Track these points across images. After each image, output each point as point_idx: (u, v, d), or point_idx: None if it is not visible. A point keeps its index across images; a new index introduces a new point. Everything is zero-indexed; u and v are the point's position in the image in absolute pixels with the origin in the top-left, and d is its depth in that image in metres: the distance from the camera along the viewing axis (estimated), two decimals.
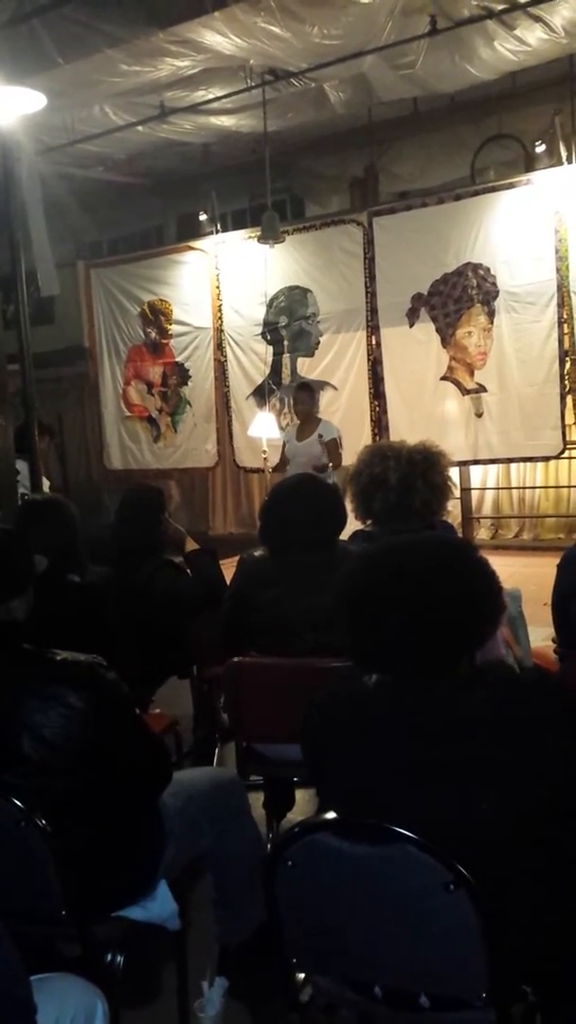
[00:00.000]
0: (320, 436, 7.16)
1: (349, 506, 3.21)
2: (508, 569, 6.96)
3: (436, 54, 6.93)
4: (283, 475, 7.02)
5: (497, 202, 7.66)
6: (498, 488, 9.10)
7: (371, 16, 6.31)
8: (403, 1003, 1.66)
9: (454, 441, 7.75)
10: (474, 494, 8.98)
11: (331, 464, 6.97)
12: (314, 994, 1.78)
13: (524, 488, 8.97)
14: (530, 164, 8.45)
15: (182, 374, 9.73)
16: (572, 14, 6.50)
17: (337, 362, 8.61)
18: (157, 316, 9.85)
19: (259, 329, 9.09)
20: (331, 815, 1.66)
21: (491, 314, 7.76)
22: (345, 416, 8.25)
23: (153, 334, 9.92)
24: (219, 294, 9.30)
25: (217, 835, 2.47)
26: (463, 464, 8.15)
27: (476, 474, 8.85)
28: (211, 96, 7.65)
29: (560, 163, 7.73)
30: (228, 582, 3.37)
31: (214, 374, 9.45)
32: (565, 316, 7.38)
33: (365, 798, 1.69)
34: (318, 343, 8.78)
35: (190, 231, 10.66)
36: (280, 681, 2.79)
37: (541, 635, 3.26)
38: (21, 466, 5.53)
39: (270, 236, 8.20)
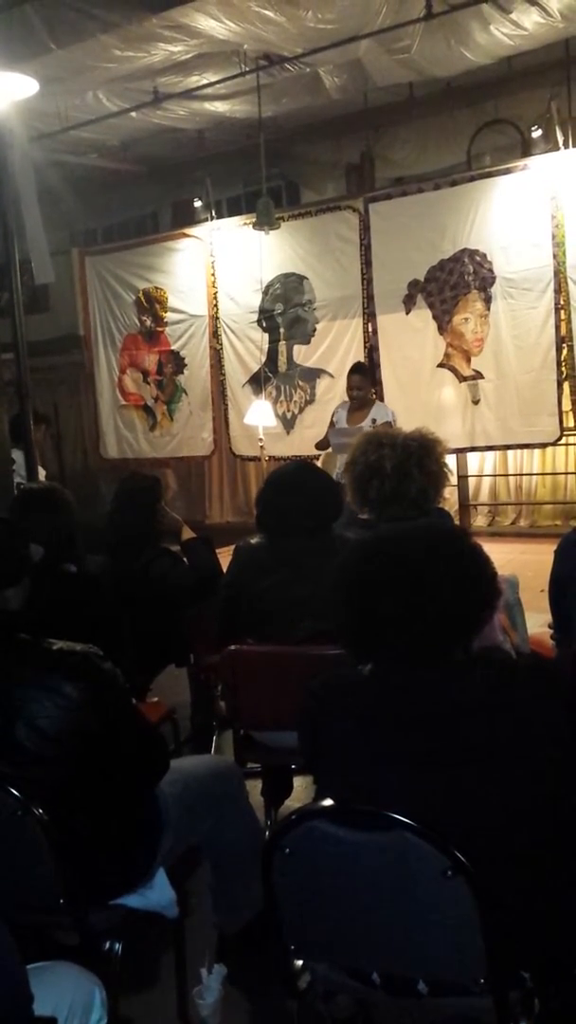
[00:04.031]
0: (374, 420, 6.82)
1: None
2: (505, 556, 6.99)
3: (431, 38, 6.88)
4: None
5: (493, 188, 7.62)
6: (495, 475, 9.09)
7: (366, 0, 6.27)
8: (401, 989, 1.67)
9: (451, 428, 7.74)
10: (471, 481, 8.97)
11: None
12: (312, 981, 1.79)
13: (521, 475, 8.96)
14: (527, 149, 8.40)
15: (178, 362, 9.70)
16: None
17: (333, 349, 8.58)
18: (152, 304, 9.82)
19: (255, 316, 9.05)
20: (329, 802, 1.66)
21: (488, 300, 7.74)
22: (341, 403, 8.23)
23: (148, 322, 9.88)
24: (214, 281, 9.26)
25: (215, 823, 2.48)
26: (460, 451, 8.14)
27: (473, 461, 8.85)
28: (205, 81, 7.60)
29: (557, 148, 7.68)
30: (225, 570, 3.36)
31: (210, 362, 9.42)
32: (562, 302, 7.35)
33: (362, 785, 1.69)
34: (314, 330, 8.75)
35: (185, 218, 10.60)
36: (277, 669, 2.79)
37: (538, 621, 3.26)
38: (17, 455, 5.52)
39: (265, 223, 8.16)
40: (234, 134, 9.10)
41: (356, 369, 7.20)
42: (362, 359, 8.33)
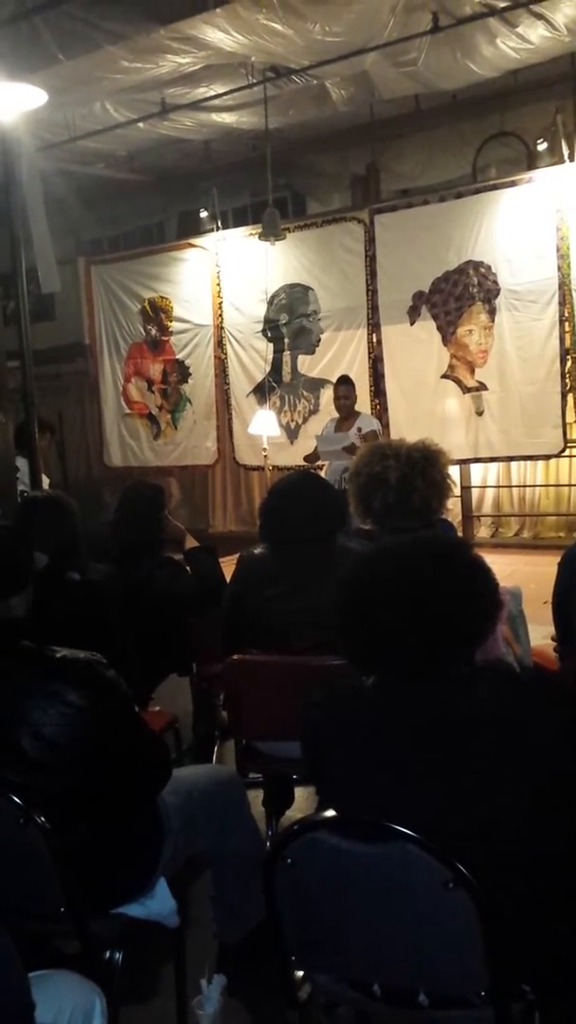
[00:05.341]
0: (359, 429, 6.94)
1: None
2: (508, 567, 6.98)
3: (438, 51, 6.93)
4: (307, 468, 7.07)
5: (499, 200, 7.66)
6: (498, 486, 9.09)
7: (373, 13, 6.31)
8: (402, 1001, 1.66)
9: (455, 439, 7.76)
10: (474, 492, 8.98)
11: None
12: (313, 992, 1.78)
13: (524, 486, 8.96)
14: (532, 162, 8.45)
15: (182, 371, 9.73)
16: (574, 11, 6.49)
17: (338, 360, 8.60)
18: (158, 313, 9.85)
19: (260, 326, 9.08)
20: (330, 813, 1.66)
21: (492, 312, 7.76)
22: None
23: (153, 331, 9.92)
24: (220, 291, 9.30)
25: (216, 833, 2.48)
26: (463, 462, 8.15)
27: (476, 472, 8.85)
28: (212, 93, 7.64)
29: (562, 161, 7.71)
30: (228, 580, 3.36)
31: (214, 371, 9.45)
32: (566, 314, 7.38)
33: (364, 796, 1.69)
34: (319, 341, 8.78)
35: (191, 228, 10.66)
36: (280, 678, 2.79)
37: (541, 633, 3.26)
38: (21, 463, 5.52)
39: (271, 233, 8.19)
40: (241, 145, 9.15)
41: (342, 381, 7.38)
42: (366, 370, 8.37)
